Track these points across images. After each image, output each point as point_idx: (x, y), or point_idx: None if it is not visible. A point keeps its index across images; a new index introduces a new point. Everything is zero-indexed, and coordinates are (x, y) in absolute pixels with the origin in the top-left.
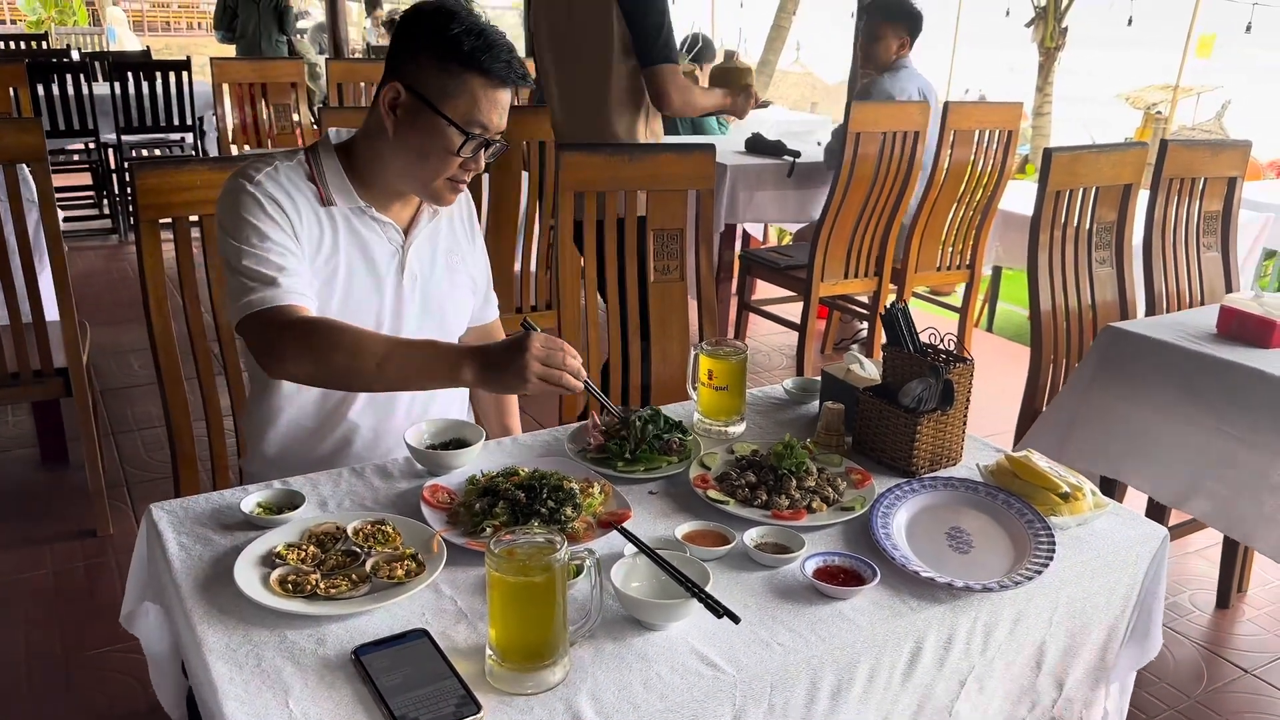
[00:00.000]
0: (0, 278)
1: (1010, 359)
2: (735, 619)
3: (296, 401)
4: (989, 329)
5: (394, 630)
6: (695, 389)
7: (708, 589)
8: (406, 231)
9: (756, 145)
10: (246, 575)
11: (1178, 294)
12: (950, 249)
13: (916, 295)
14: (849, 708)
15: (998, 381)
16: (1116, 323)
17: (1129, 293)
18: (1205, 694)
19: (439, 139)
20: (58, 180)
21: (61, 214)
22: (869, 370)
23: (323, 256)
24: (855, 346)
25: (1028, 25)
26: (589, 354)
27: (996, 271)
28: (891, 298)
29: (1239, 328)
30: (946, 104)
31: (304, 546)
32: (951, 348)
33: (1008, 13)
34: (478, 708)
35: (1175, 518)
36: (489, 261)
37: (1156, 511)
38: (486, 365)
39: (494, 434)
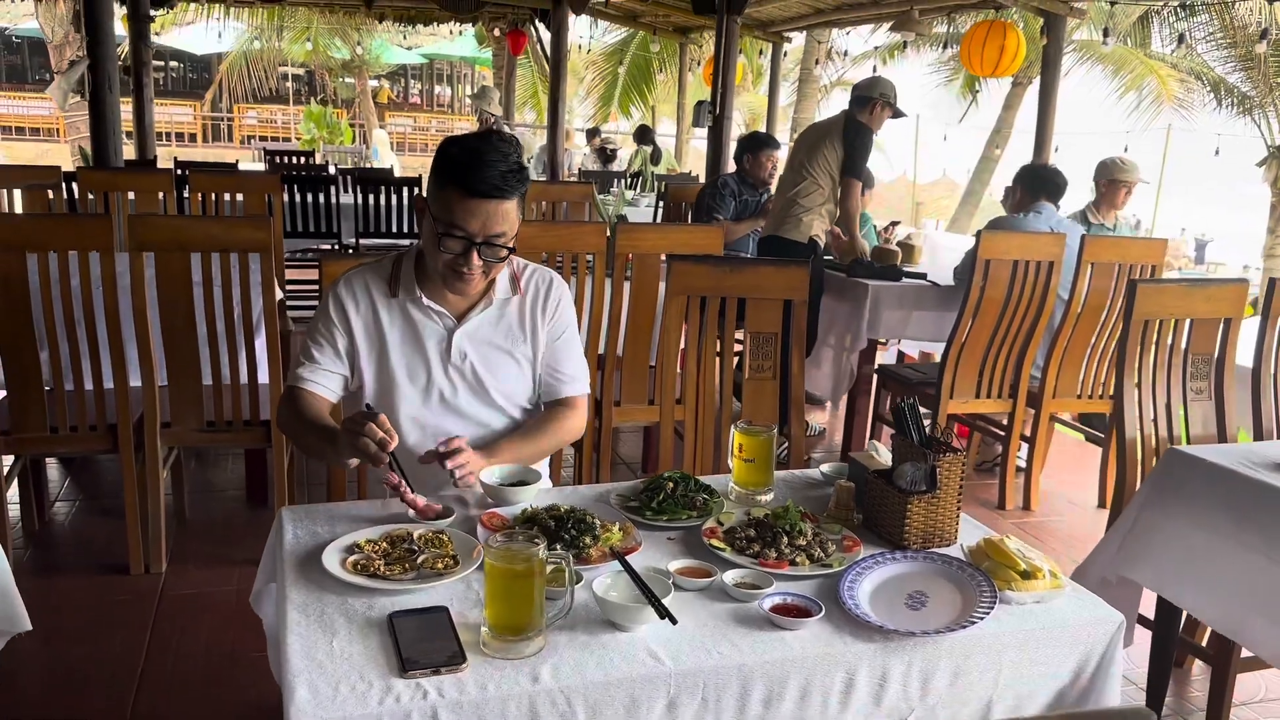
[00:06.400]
0: (228, 345)
1: None
2: (673, 620)
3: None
4: None
5: (425, 605)
6: (731, 460)
7: (665, 601)
8: (461, 318)
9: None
10: (330, 557)
11: None
12: (1093, 378)
13: (1062, 422)
14: (781, 719)
15: None
16: (1178, 446)
17: (1229, 426)
18: None
19: (431, 234)
20: (307, 274)
21: (303, 302)
22: (886, 458)
23: (372, 338)
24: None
25: (1260, 164)
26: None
27: None
28: (1006, 414)
29: None
30: (1084, 237)
31: (379, 542)
32: (950, 442)
33: (1217, 151)
34: (463, 659)
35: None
36: (567, 347)
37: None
38: (340, 445)
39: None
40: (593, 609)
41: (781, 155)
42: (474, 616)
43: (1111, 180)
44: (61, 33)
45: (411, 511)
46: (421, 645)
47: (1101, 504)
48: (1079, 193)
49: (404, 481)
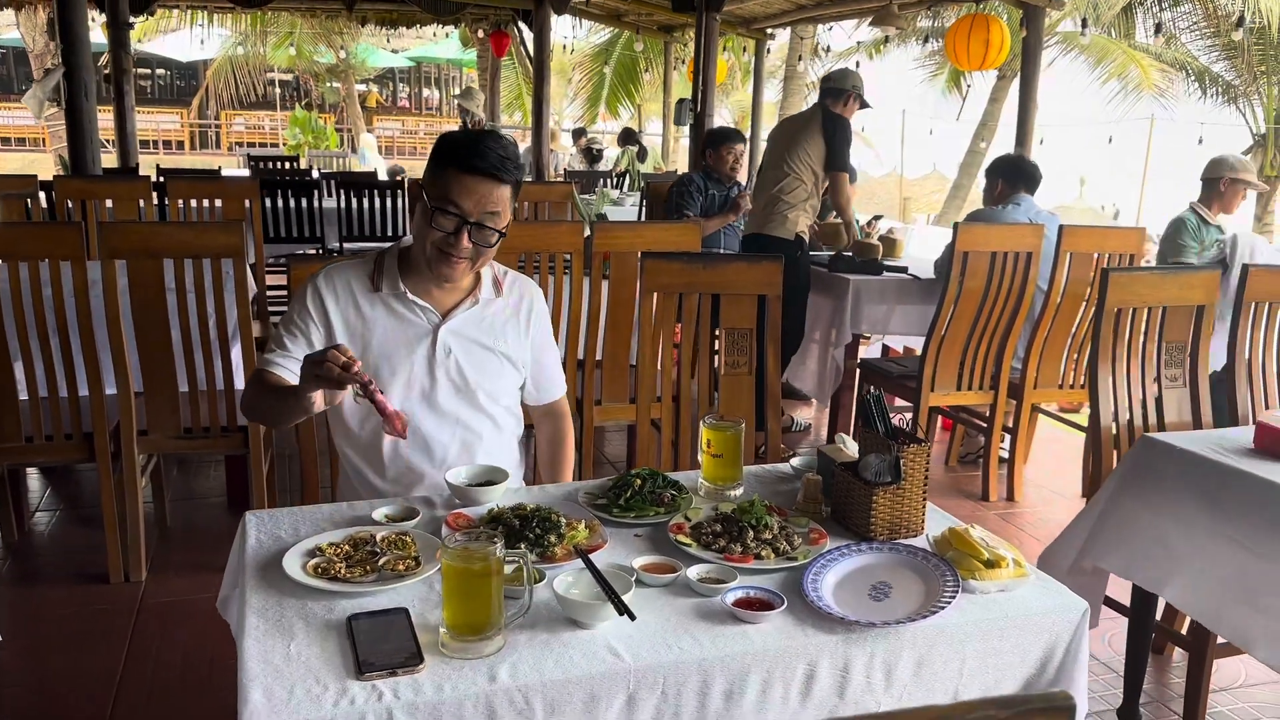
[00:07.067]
0: (203, 351)
1: None
2: (632, 616)
3: (358, 451)
4: None
5: (386, 607)
6: (700, 456)
7: (626, 598)
8: (446, 315)
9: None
10: (291, 561)
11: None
12: (1074, 368)
13: (1048, 413)
14: (743, 713)
15: None
16: (1152, 434)
17: (1203, 413)
18: None
19: (423, 216)
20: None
21: (284, 307)
22: (854, 450)
23: (354, 333)
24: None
25: (1244, 153)
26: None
27: None
28: (988, 406)
29: (1274, 444)
30: (1061, 227)
31: (341, 545)
32: (916, 433)
33: (1200, 140)
34: (420, 660)
35: None
36: (551, 354)
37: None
38: (304, 381)
39: (544, 483)
40: (555, 608)
41: (760, 150)
42: (435, 617)
43: (1234, 179)
44: (42, 42)
45: (383, 423)
46: (379, 647)
47: (1085, 494)
48: (1067, 184)
49: (374, 380)
